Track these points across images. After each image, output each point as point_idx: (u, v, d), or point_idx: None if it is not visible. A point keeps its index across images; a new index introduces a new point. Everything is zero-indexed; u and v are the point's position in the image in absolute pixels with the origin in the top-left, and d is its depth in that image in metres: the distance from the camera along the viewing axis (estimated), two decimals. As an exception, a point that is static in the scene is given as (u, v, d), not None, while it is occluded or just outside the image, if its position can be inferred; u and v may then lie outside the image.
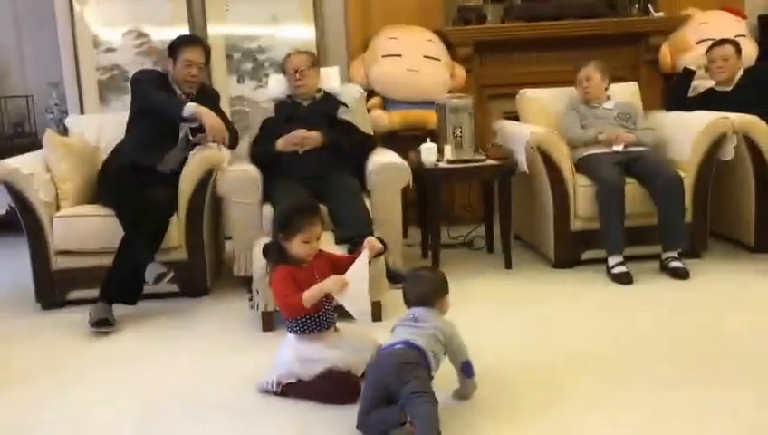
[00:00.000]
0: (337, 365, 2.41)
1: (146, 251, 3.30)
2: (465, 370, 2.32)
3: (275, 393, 2.47)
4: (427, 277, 2.42)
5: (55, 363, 2.88)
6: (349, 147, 3.74)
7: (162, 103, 3.56)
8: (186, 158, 3.59)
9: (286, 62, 3.95)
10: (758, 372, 2.50)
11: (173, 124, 3.63)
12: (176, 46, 3.71)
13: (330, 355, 2.43)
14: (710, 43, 4.43)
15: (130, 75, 4.56)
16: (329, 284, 2.37)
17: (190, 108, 3.49)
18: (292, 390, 2.44)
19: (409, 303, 2.38)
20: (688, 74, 4.44)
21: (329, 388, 2.39)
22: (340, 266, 2.48)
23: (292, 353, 2.45)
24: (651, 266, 3.70)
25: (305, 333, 2.46)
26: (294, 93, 3.93)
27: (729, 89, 4.29)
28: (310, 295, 2.35)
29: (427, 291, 2.35)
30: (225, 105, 4.09)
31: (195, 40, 3.86)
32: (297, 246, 2.43)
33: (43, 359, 2.93)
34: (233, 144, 3.86)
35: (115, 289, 3.27)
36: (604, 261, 3.66)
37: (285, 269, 2.44)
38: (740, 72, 4.31)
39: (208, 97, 3.82)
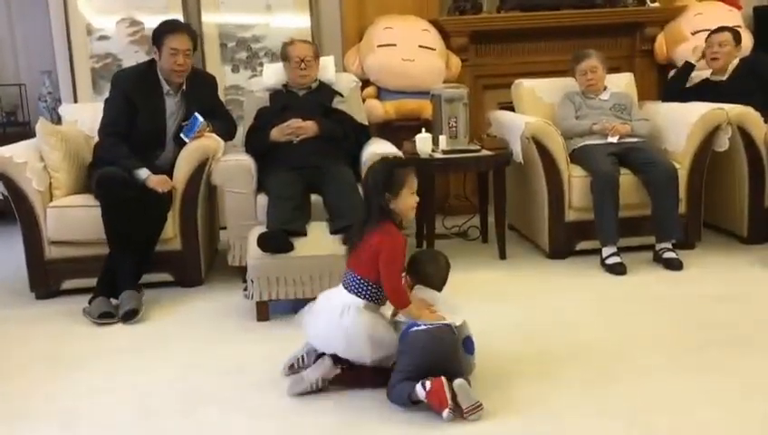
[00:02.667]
0: (392, 352, 2.34)
1: (127, 278, 3.25)
2: (468, 346, 2.37)
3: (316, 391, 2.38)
4: (445, 262, 2.55)
5: (50, 353, 2.87)
6: (343, 136, 3.73)
7: (118, 163, 3.44)
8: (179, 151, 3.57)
9: (289, 50, 3.88)
10: (751, 362, 2.52)
11: (158, 132, 3.59)
12: (158, 35, 3.55)
13: (395, 339, 2.34)
14: (704, 33, 4.43)
15: (123, 64, 4.60)
16: (428, 316, 2.35)
17: (141, 175, 3.42)
18: (342, 380, 2.38)
19: (431, 285, 2.47)
20: (688, 68, 4.42)
21: (371, 380, 2.36)
22: None
23: (365, 331, 2.30)
24: (645, 257, 3.71)
25: (378, 303, 2.39)
26: (293, 82, 3.90)
27: (724, 78, 4.30)
28: (409, 314, 2.35)
29: (446, 277, 2.52)
30: (219, 94, 4.04)
31: (177, 26, 3.63)
32: (406, 199, 2.37)
33: (37, 349, 2.93)
34: (230, 135, 3.84)
35: (111, 285, 3.26)
36: (598, 252, 3.67)
37: (404, 240, 2.37)
38: (736, 62, 4.31)
39: (203, 85, 3.77)
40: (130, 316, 3.13)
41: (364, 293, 2.35)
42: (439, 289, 2.50)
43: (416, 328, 2.29)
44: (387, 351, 2.34)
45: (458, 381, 2.17)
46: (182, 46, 3.53)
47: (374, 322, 2.34)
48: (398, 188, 2.36)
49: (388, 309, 2.46)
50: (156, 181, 3.43)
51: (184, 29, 3.62)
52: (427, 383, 2.16)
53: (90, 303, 3.23)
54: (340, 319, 2.32)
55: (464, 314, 2.40)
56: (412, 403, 2.21)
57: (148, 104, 3.58)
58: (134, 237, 3.31)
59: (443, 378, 2.16)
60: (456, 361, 2.28)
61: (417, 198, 2.43)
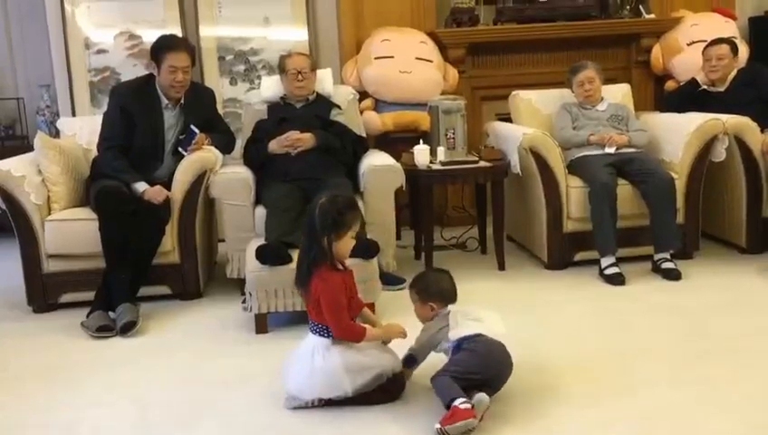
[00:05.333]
0: (386, 370, 2.36)
1: (123, 292, 3.24)
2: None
3: (315, 406, 2.37)
4: (449, 274, 2.54)
5: (48, 367, 2.86)
6: (341, 149, 3.74)
7: (117, 177, 3.46)
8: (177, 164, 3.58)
9: (287, 62, 3.89)
10: (749, 373, 2.51)
11: (156, 145, 3.60)
12: (157, 51, 3.57)
13: (378, 360, 2.36)
14: (700, 44, 4.45)
15: (122, 78, 4.61)
16: (395, 333, 2.42)
17: (139, 189, 3.43)
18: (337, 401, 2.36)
19: (453, 299, 2.46)
20: (694, 85, 4.41)
21: (377, 397, 2.36)
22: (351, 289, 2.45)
23: (339, 364, 2.31)
24: (644, 267, 3.72)
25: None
26: (291, 94, 3.91)
27: (723, 89, 4.31)
28: (373, 337, 2.37)
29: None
30: (217, 107, 4.06)
31: (176, 43, 3.63)
32: (347, 243, 2.38)
33: (36, 362, 2.92)
34: (228, 149, 3.84)
35: (109, 299, 3.26)
36: (597, 262, 3.67)
37: (339, 276, 2.37)
38: (734, 73, 4.32)
39: (201, 98, 3.78)
40: (128, 329, 3.12)
41: (327, 333, 2.36)
42: (455, 300, 2.48)
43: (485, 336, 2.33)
44: (368, 375, 2.33)
45: (482, 397, 2.18)
46: (181, 64, 3.54)
47: (346, 352, 2.34)
48: (344, 231, 2.35)
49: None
50: (151, 193, 3.43)
51: (182, 46, 3.62)
52: (464, 404, 2.12)
53: (88, 316, 3.23)
54: (312, 361, 2.33)
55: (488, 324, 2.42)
56: (447, 407, 2.17)
57: (146, 118, 3.59)
58: (131, 251, 3.31)
59: (473, 410, 2.12)
60: (505, 377, 2.32)
61: (355, 241, 2.42)
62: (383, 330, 2.45)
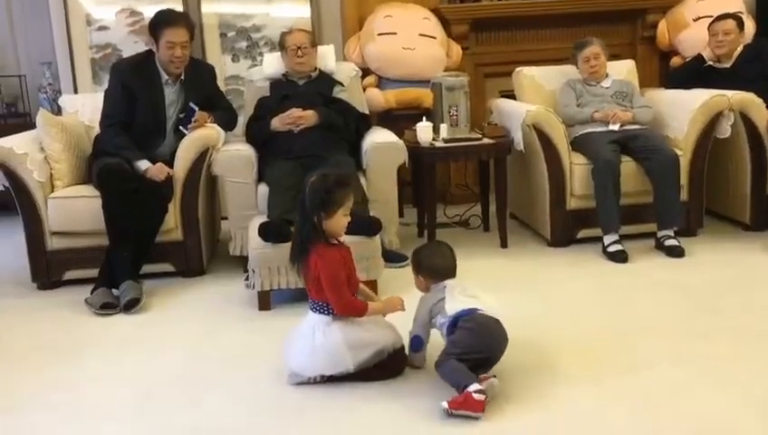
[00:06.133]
0: (387, 345, 2.37)
1: (126, 270, 3.24)
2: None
3: (318, 382, 2.39)
4: (449, 249, 2.51)
5: (52, 343, 2.88)
6: (344, 126, 3.72)
7: (119, 154, 3.45)
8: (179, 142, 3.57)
9: (286, 38, 3.88)
10: (752, 351, 2.51)
11: (158, 121, 3.59)
12: (155, 26, 3.53)
13: (379, 336, 2.37)
14: (706, 20, 4.41)
15: (123, 54, 4.58)
16: (395, 306, 2.42)
17: (141, 167, 3.44)
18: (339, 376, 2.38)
19: (447, 275, 2.43)
20: (700, 62, 4.37)
21: (378, 373, 2.37)
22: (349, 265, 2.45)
23: (340, 340, 2.32)
24: (647, 245, 3.71)
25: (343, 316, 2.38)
26: (292, 71, 3.90)
27: (728, 65, 4.27)
28: (374, 311, 2.38)
29: (455, 264, 2.48)
30: (219, 84, 4.04)
31: (174, 18, 3.57)
32: (339, 221, 2.36)
33: (39, 339, 2.94)
34: (230, 126, 3.83)
35: (112, 276, 3.27)
36: (600, 239, 3.67)
37: (337, 251, 2.37)
38: (740, 48, 4.29)
39: (201, 74, 3.75)
40: (132, 305, 3.14)
41: (327, 311, 2.37)
42: (453, 276, 2.46)
43: (481, 311, 2.31)
44: (370, 350, 2.34)
45: (494, 382, 2.19)
46: (179, 39, 3.51)
47: (346, 327, 2.35)
48: (334, 209, 2.34)
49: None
50: (153, 171, 3.43)
51: (181, 21, 3.59)
52: (478, 394, 2.11)
53: (92, 293, 3.24)
54: (313, 338, 2.34)
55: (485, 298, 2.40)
56: (459, 392, 2.15)
57: (146, 94, 3.57)
58: (134, 229, 3.32)
59: (484, 403, 2.11)
60: (500, 353, 2.30)
61: (350, 218, 2.40)
62: (383, 303, 2.47)
